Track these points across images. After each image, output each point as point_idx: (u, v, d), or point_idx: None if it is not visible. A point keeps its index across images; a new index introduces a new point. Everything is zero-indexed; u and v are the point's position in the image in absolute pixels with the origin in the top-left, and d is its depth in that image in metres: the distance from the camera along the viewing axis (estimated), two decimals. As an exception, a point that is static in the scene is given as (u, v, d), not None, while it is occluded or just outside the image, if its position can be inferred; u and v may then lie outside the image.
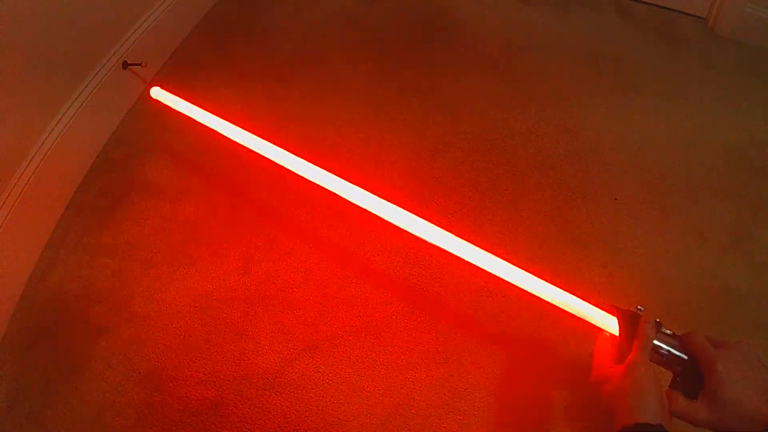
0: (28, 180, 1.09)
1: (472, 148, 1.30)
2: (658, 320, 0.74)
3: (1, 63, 0.99)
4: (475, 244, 1.13)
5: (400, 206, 1.12)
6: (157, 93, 1.22)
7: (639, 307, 0.76)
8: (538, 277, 0.87)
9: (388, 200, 1.13)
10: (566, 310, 0.84)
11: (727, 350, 0.64)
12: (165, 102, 1.21)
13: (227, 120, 1.13)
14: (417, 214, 1.19)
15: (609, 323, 0.79)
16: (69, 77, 1.20)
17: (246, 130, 1.09)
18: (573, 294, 0.83)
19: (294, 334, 1.01)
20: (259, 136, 1.36)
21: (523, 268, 0.94)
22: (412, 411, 0.92)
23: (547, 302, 1.01)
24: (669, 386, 0.70)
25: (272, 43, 1.58)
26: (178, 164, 1.29)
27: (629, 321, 0.76)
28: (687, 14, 1.64)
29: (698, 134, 1.33)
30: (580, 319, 0.97)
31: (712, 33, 1.59)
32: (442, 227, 1.17)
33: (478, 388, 0.95)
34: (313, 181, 1.03)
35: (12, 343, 1.03)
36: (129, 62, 1.34)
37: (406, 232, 1.16)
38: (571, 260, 1.11)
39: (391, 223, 1.04)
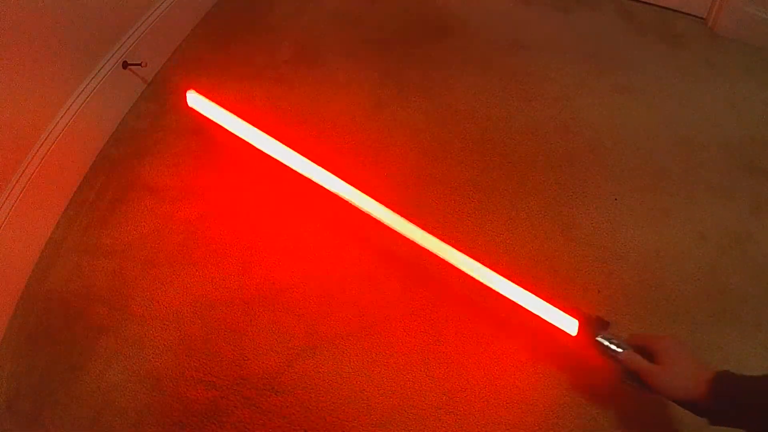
0: (29, 179, 1.09)
1: (472, 148, 1.30)
2: (607, 320, 0.88)
3: (1, 63, 0.99)
4: (475, 244, 1.14)
5: (400, 206, 1.12)
6: (193, 99, 1.16)
7: (601, 316, 0.89)
8: (515, 277, 0.92)
9: (387, 200, 1.13)
10: (532, 311, 0.92)
11: (666, 337, 0.81)
12: (201, 110, 1.16)
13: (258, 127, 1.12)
14: (416, 215, 1.19)
15: (569, 325, 0.89)
16: (69, 77, 1.20)
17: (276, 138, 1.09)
18: (542, 297, 0.92)
19: (293, 334, 1.01)
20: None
21: (517, 268, 0.97)
22: (412, 412, 0.92)
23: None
24: (620, 379, 0.83)
25: (272, 43, 1.58)
26: (177, 164, 1.29)
27: (589, 323, 0.88)
28: (687, 14, 1.64)
29: (698, 134, 1.33)
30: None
31: (712, 33, 1.59)
32: (442, 227, 1.17)
33: (477, 389, 0.95)
34: (319, 182, 1.05)
35: (12, 343, 1.03)
36: (129, 62, 1.34)
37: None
38: (571, 259, 1.11)
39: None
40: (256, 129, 1.11)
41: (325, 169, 1.04)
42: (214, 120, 1.17)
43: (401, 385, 0.95)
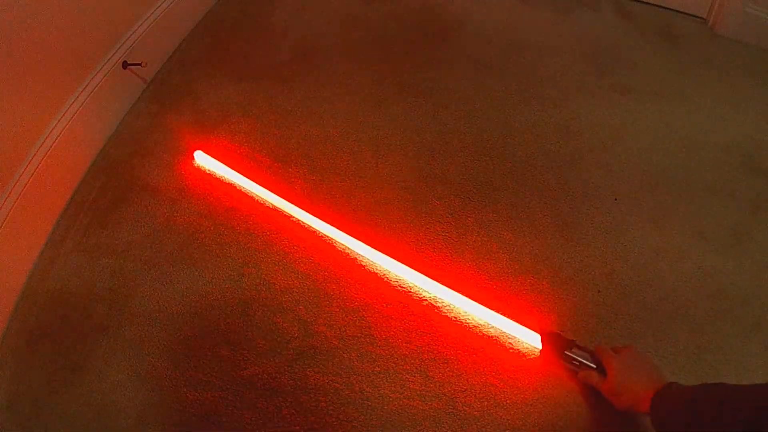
0: (29, 179, 1.09)
1: (472, 148, 1.30)
2: (572, 338, 0.96)
3: (2, 62, 0.99)
4: (477, 243, 1.14)
5: (400, 206, 1.12)
6: (200, 158, 1.29)
7: (560, 332, 0.98)
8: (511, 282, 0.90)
9: (387, 199, 1.13)
10: (500, 327, 1.02)
11: (621, 353, 0.89)
12: (206, 168, 1.28)
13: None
14: (416, 215, 1.20)
15: (533, 340, 0.99)
16: (69, 77, 1.20)
17: (284, 199, 1.20)
18: (509, 315, 1.02)
19: (293, 335, 1.01)
20: (259, 137, 1.37)
21: (518, 267, 0.98)
22: (411, 413, 0.92)
23: (543, 304, 1.05)
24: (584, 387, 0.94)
25: (272, 43, 1.58)
26: (177, 165, 1.29)
27: (550, 339, 0.97)
28: (687, 14, 1.64)
29: (698, 134, 1.33)
30: (579, 321, 1.02)
31: (712, 33, 1.59)
32: (442, 227, 1.17)
33: (477, 390, 0.95)
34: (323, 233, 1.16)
35: (12, 343, 1.03)
36: (129, 62, 1.34)
37: (400, 235, 1.16)
38: (571, 259, 1.11)
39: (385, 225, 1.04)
40: (262, 187, 1.22)
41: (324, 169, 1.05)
42: (221, 177, 1.27)
43: (401, 386, 0.95)
